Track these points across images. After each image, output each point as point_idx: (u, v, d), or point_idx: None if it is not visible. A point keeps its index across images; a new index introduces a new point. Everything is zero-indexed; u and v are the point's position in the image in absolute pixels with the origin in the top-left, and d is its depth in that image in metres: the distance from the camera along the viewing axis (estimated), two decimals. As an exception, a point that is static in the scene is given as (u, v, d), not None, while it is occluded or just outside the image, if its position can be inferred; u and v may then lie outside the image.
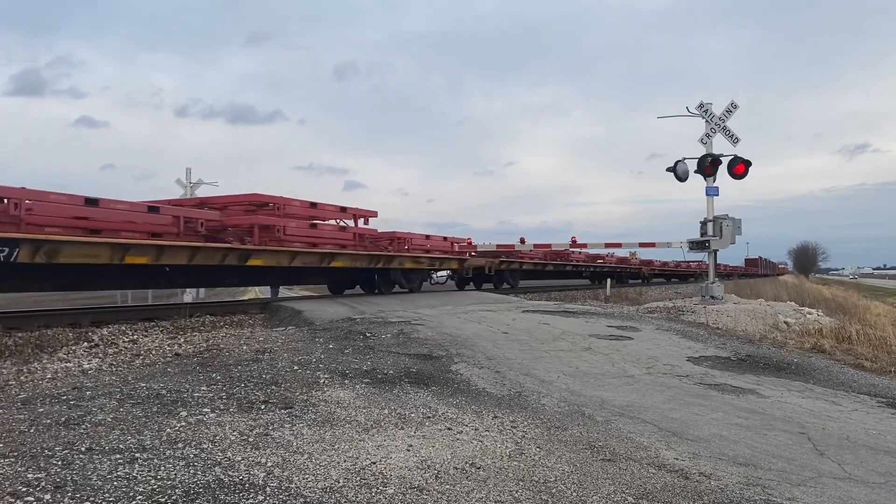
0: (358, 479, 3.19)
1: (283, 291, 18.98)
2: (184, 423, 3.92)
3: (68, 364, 5.94)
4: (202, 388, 4.85)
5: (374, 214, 14.88)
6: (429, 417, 4.41)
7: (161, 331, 8.36)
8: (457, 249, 18.44)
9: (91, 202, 8.65)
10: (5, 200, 7.68)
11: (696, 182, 14.99)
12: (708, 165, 14.51)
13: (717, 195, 14.75)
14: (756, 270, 78.92)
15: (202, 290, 21.97)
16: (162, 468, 3.14)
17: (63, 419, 3.91)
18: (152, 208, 9.61)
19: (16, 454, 3.25)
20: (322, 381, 5.30)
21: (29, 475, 2.97)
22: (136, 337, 7.65)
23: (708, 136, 14.81)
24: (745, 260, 79.62)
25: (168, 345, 7.10)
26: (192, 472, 3.12)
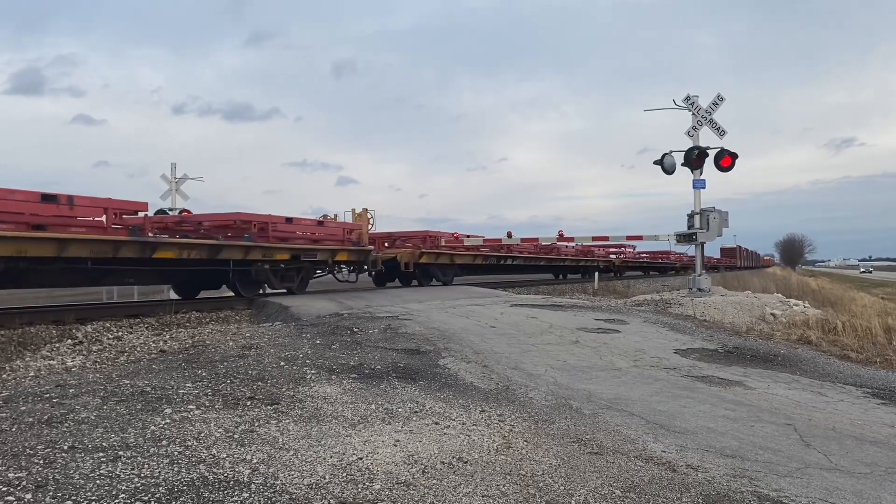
0: (344, 474, 3.17)
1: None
2: (168, 421, 3.88)
3: (52, 362, 5.88)
4: (187, 384, 4.81)
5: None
6: (416, 412, 4.39)
7: (146, 327, 8.29)
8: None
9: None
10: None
11: (685, 175, 15.06)
12: (694, 158, 14.55)
13: (704, 188, 14.82)
14: (734, 262, 67.03)
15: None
16: (145, 466, 3.10)
17: (46, 417, 3.86)
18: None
19: (-4, 453, 3.20)
20: (309, 376, 5.27)
21: (10, 474, 2.93)
22: (120, 334, 7.58)
23: (695, 128, 14.86)
24: (721, 249, 65.25)
25: (153, 341, 7.04)
26: (176, 469, 3.09)
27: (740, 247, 74.95)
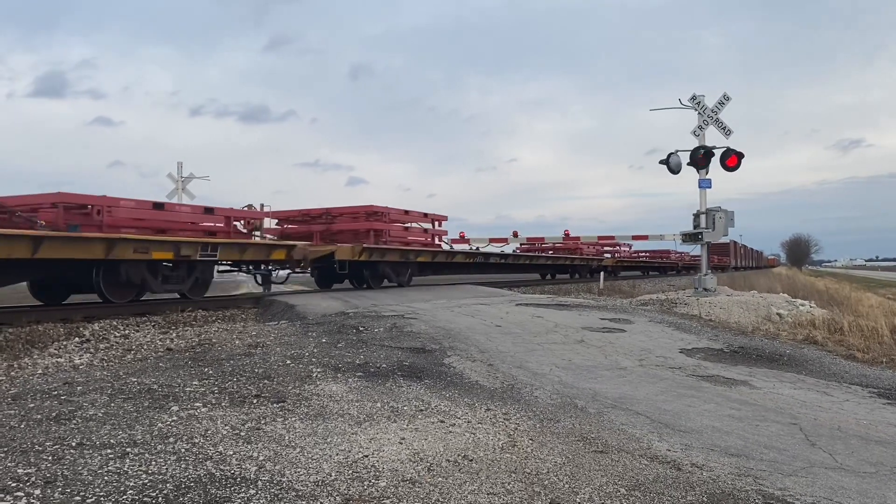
0: (350, 472, 3.19)
1: (275, 286, 18.90)
2: (175, 418, 3.91)
3: (59, 359, 5.91)
4: (194, 382, 4.84)
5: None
6: (421, 410, 4.40)
7: (153, 326, 8.33)
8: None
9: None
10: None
11: (691, 175, 15.04)
12: (700, 158, 14.53)
13: (710, 188, 14.80)
14: (726, 261, 54.99)
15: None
16: (153, 463, 3.13)
17: (54, 414, 3.89)
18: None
19: (6, 450, 3.23)
20: (315, 374, 5.29)
21: (19, 470, 2.95)
22: (127, 332, 7.62)
23: (700, 128, 14.83)
24: (711, 246, 47.69)
25: (160, 339, 7.07)
26: (183, 466, 3.11)
27: (736, 243, 62.26)
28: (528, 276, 26.94)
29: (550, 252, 28.80)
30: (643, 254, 40.54)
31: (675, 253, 45.29)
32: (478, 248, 20.17)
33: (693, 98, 14.92)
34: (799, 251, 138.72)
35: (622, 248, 35.29)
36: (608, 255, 32.77)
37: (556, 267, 27.89)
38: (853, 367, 7.25)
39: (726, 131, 14.70)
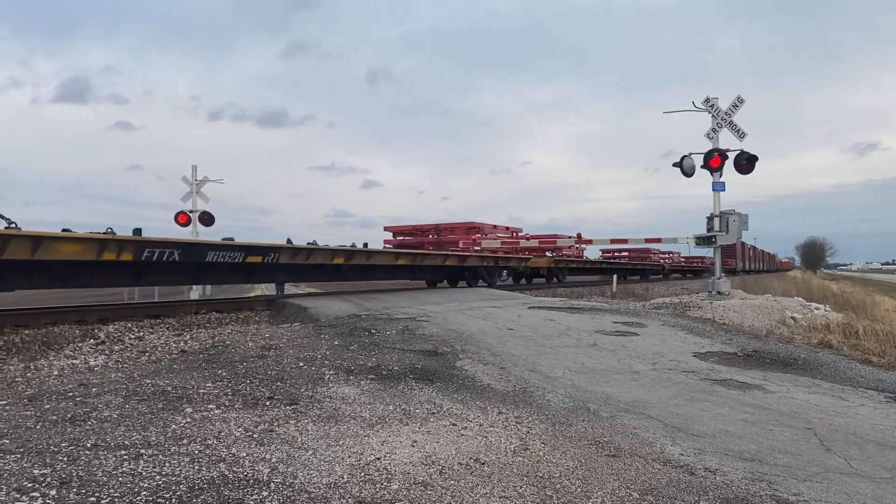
0: (362, 474, 3.20)
1: (289, 288, 18.99)
2: (189, 420, 3.93)
3: (75, 361, 5.96)
4: (207, 384, 4.86)
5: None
6: (433, 413, 4.40)
7: (167, 328, 8.38)
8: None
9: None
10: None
11: (705, 178, 14.95)
12: (714, 160, 14.45)
13: (724, 190, 14.70)
14: (732, 263, 48.85)
15: (209, 287, 21.99)
16: (167, 464, 3.15)
17: (69, 415, 3.92)
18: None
19: (22, 450, 3.26)
20: (327, 377, 5.30)
21: (35, 471, 2.98)
22: (142, 334, 7.67)
23: (714, 130, 14.75)
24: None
25: (174, 341, 7.12)
26: (196, 467, 3.13)
27: (744, 244, 55.58)
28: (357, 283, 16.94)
29: (429, 248, 19.98)
30: (623, 254, 38.32)
31: (658, 253, 41.40)
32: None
33: (706, 100, 14.84)
34: (814, 254, 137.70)
35: (567, 248, 28.09)
36: (549, 254, 25.24)
37: (432, 269, 18.12)
38: (869, 371, 7.19)
39: (740, 134, 14.61)
